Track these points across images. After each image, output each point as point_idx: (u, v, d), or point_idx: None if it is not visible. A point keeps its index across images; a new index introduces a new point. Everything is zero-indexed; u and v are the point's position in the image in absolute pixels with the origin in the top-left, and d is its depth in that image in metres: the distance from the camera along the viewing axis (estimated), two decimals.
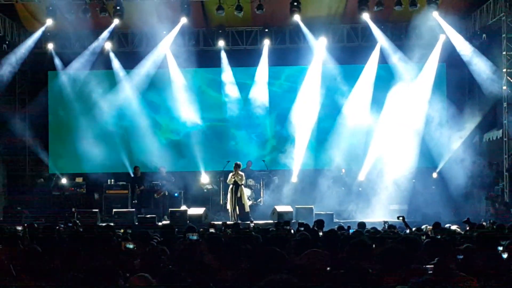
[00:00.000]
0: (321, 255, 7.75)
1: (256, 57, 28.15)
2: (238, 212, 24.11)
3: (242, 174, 24.46)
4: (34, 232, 13.73)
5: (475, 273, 7.37)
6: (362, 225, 16.52)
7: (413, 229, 15.74)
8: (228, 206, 24.47)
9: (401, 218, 16.58)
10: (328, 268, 7.54)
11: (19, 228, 15.05)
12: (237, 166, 24.43)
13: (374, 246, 9.25)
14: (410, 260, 7.69)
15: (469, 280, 6.96)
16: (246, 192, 24.88)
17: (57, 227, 16.05)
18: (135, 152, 27.89)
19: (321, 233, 13.20)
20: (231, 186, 24.34)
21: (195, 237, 9.60)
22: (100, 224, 21.02)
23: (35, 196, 26.25)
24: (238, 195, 24.23)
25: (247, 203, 24.67)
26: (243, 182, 24.43)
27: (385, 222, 17.95)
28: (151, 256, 8.56)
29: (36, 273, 7.57)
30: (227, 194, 25.19)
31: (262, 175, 26.65)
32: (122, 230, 15.17)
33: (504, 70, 24.35)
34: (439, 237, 12.97)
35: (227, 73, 28.37)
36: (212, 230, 13.61)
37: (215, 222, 20.52)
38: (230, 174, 24.44)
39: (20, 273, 7.66)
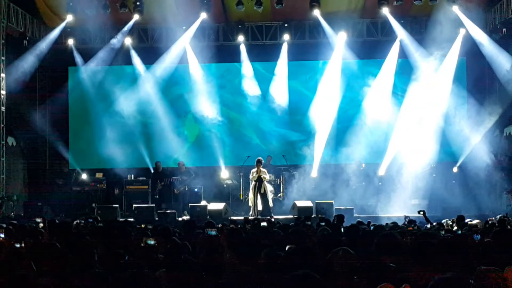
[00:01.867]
0: (352, 257, 7.74)
1: (276, 52, 28.15)
2: (260, 208, 24.10)
3: (265, 170, 24.46)
4: (54, 228, 13.79)
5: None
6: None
7: (434, 223, 15.72)
8: (250, 203, 24.46)
9: (421, 212, 16.55)
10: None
11: (39, 220, 15.07)
12: (259, 162, 24.39)
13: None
14: (431, 255, 7.66)
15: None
16: (268, 187, 24.81)
17: (77, 222, 16.13)
18: (155, 148, 27.95)
19: (342, 229, 13.20)
20: (253, 182, 24.33)
21: (213, 233, 9.60)
22: (119, 220, 21.11)
23: (56, 192, 26.36)
24: (262, 191, 24.20)
25: (271, 198, 24.67)
26: (267, 178, 24.46)
27: (406, 217, 17.92)
28: (174, 252, 8.58)
29: (56, 268, 7.61)
30: (247, 189, 25.23)
31: (282, 170, 26.64)
32: (143, 225, 15.22)
33: None
34: (460, 232, 12.97)
35: (246, 68, 28.39)
36: (232, 226, 13.63)
37: (236, 218, 20.59)
38: (253, 170, 24.42)
39: (41, 269, 7.70)
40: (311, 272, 4.55)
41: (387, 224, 15.86)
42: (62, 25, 26.98)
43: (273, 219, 20.64)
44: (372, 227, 13.91)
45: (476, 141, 26.10)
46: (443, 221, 16.44)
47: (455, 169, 26.51)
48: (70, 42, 27.84)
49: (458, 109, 27.00)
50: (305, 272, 4.54)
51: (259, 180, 24.17)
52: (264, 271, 7.17)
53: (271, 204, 24.46)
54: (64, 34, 27.66)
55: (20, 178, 27.91)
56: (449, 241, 9.59)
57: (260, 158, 24.67)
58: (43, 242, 10.31)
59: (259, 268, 7.41)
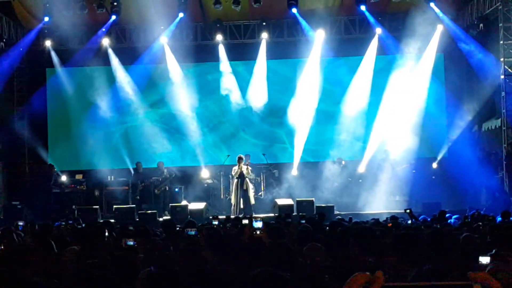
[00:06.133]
0: (319, 249, 7.77)
1: (254, 50, 28.12)
2: (242, 206, 24.16)
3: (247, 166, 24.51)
4: (35, 230, 13.77)
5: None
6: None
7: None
8: (233, 200, 24.49)
9: (408, 211, 16.58)
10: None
11: (21, 223, 14.99)
12: (240, 159, 24.47)
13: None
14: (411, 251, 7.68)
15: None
16: (250, 185, 24.82)
17: (58, 225, 16.06)
18: (135, 148, 27.88)
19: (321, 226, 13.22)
20: (236, 180, 24.36)
21: (193, 232, 9.59)
22: (100, 221, 21.05)
23: (35, 194, 26.23)
24: (244, 187, 24.27)
25: (252, 195, 24.71)
26: (250, 174, 24.50)
27: (391, 216, 17.96)
28: (154, 252, 8.57)
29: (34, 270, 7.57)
30: (228, 188, 25.25)
31: (262, 168, 26.64)
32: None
33: (502, 59, 24.38)
34: (438, 226, 13.06)
35: (225, 67, 28.34)
36: (215, 222, 13.61)
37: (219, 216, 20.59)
38: (235, 168, 24.48)
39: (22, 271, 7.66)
40: (273, 270, 4.53)
41: (367, 221, 15.95)
42: (39, 26, 26.88)
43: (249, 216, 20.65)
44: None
45: (455, 137, 26.30)
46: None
47: (434, 165, 26.65)
48: (48, 43, 27.68)
49: (437, 105, 27.17)
50: (266, 269, 4.51)
51: (241, 177, 24.22)
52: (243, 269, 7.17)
53: (252, 201, 24.54)
54: (41, 36, 27.54)
55: None
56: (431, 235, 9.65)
57: (241, 155, 24.73)
58: (24, 244, 10.26)
59: (239, 266, 7.41)
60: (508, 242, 8.36)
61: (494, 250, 7.37)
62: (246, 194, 24.32)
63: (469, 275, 2.26)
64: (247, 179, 24.35)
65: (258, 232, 8.49)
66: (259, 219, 8.82)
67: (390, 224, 13.86)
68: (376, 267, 6.89)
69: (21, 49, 27.27)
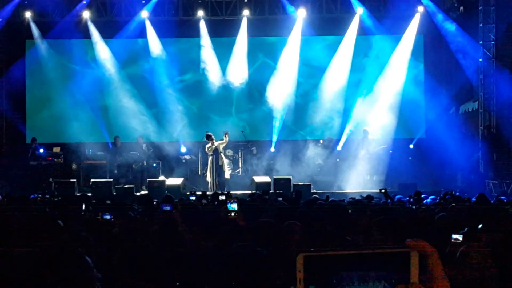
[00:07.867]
0: (298, 227, 7.81)
1: (236, 27, 28.04)
2: (218, 182, 24.19)
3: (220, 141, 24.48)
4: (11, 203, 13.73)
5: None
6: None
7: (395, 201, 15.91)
8: (208, 177, 24.50)
9: (383, 191, 16.65)
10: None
11: None
12: (209, 138, 24.39)
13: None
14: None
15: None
16: (225, 161, 24.86)
17: (34, 197, 16.03)
18: (114, 122, 27.78)
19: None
20: (210, 156, 24.36)
21: (168, 208, 9.61)
22: (77, 194, 21.01)
23: (12, 166, 26.12)
24: (220, 163, 24.29)
25: (227, 171, 24.76)
26: (225, 142, 24.45)
27: (367, 195, 18.04)
28: (130, 227, 8.60)
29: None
30: (206, 164, 25.25)
31: (241, 145, 26.67)
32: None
33: (481, 42, 24.49)
34: (414, 207, 13.17)
35: (206, 43, 28.25)
36: (193, 198, 13.64)
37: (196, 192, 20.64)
38: (208, 146, 24.41)
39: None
40: (250, 245, 4.58)
41: (343, 200, 16.04)
42: None
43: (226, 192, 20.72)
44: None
45: (433, 118, 26.43)
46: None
47: (411, 146, 26.79)
48: (27, 14, 27.46)
49: (415, 86, 27.26)
50: (243, 245, 4.56)
51: (216, 153, 24.23)
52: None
53: (227, 176, 24.59)
54: (21, 7, 27.33)
55: None
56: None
57: (208, 133, 24.66)
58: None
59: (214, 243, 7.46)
60: (481, 223, 8.47)
61: (466, 229, 7.48)
62: (221, 169, 24.35)
63: (406, 243, 2.30)
64: (221, 154, 24.39)
65: (232, 214, 8.51)
66: (234, 200, 8.86)
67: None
68: (353, 244, 6.98)
69: (0, 20, 27.02)
